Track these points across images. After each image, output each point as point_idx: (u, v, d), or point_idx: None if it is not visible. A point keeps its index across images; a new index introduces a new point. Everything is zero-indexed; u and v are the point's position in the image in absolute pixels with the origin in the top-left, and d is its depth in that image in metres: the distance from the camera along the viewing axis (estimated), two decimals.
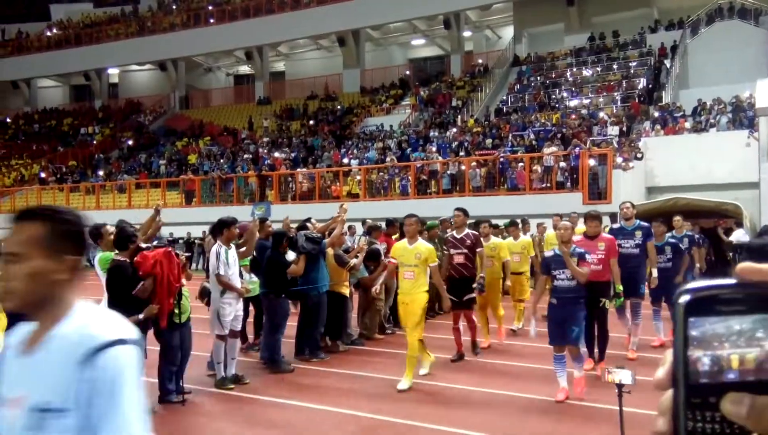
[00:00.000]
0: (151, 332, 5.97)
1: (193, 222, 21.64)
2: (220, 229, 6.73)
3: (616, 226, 8.01)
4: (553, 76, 27.45)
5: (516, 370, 7.44)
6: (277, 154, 26.12)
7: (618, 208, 8.17)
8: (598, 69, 26.56)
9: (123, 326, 1.38)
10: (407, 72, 35.12)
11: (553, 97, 25.52)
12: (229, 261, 6.63)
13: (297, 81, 37.38)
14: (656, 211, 13.35)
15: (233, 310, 6.69)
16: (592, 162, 17.50)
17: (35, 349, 1.36)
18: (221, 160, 27.69)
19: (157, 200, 19.32)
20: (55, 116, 40.44)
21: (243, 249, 7.21)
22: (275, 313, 7.53)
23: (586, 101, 24.38)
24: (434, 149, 22.08)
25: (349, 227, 13.26)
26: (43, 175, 32.25)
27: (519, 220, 13.10)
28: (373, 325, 9.36)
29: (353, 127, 29.09)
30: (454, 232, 7.92)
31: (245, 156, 27.20)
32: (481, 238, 7.98)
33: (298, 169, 23.39)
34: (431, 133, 24.70)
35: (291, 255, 7.85)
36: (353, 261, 8.55)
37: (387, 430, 5.45)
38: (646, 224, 7.87)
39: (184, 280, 6.21)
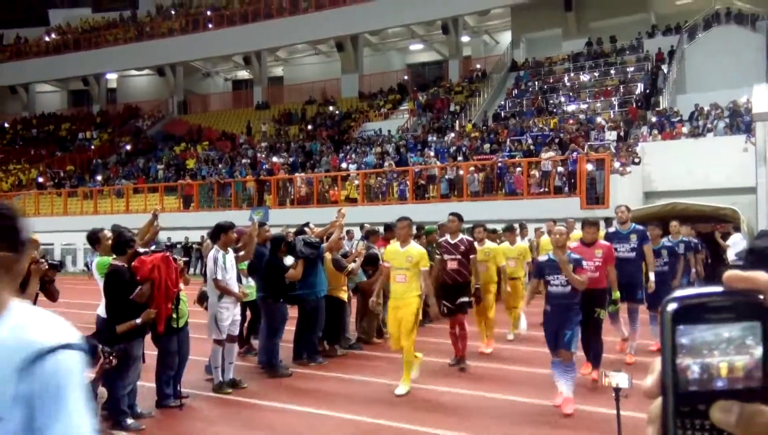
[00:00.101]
0: (148, 337, 5.96)
1: (191, 227, 21.63)
2: (218, 233, 6.73)
3: (611, 229, 7.97)
4: (551, 81, 27.53)
5: (513, 374, 7.44)
6: (275, 159, 26.11)
7: (614, 212, 8.16)
8: (596, 74, 26.63)
9: (66, 329, 1.26)
10: (405, 77, 35.20)
11: (551, 102, 25.58)
12: (227, 266, 6.63)
13: (295, 86, 37.43)
14: (654, 215, 13.36)
15: (231, 314, 6.68)
16: (589, 167, 17.53)
17: None
18: (219, 165, 27.68)
19: (155, 205, 19.32)
20: (53, 121, 40.44)
21: (242, 253, 7.20)
22: (273, 318, 7.52)
23: (583, 106, 24.44)
24: (432, 154, 22.10)
25: (347, 232, 13.27)
26: (41, 180, 32.23)
27: (517, 225, 13.12)
28: (371, 330, 9.36)
29: (351, 131, 29.12)
30: (448, 238, 7.76)
31: (243, 161, 27.19)
32: (475, 243, 7.86)
33: (297, 174, 23.39)
34: (429, 138, 24.73)
35: (289, 259, 7.85)
36: (351, 265, 8.54)
37: (385, 434, 5.45)
38: (641, 227, 7.83)
39: (181, 285, 6.20)
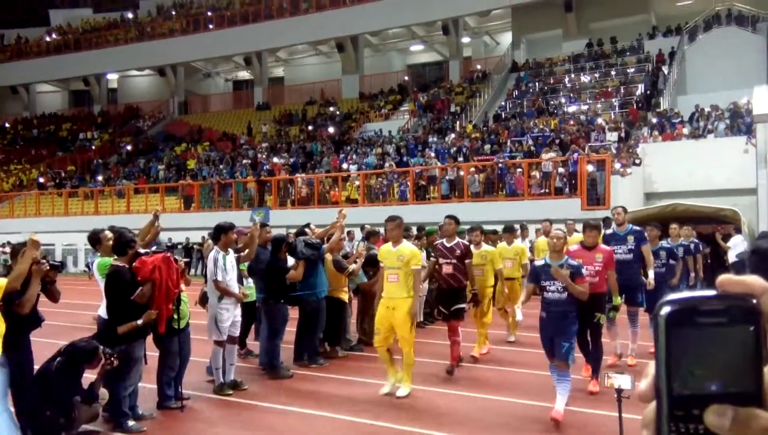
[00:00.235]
0: (150, 338, 5.96)
1: (191, 227, 21.63)
2: (218, 234, 6.73)
3: (608, 231, 7.85)
4: (552, 82, 27.53)
5: (515, 377, 7.44)
6: (275, 160, 26.12)
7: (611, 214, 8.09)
8: (596, 75, 26.64)
9: None
10: (406, 78, 35.21)
11: (552, 103, 25.58)
12: (227, 267, 6.63)
13: (296, 86, 37.45)
14: (655, 216, 13.36)
15: (231, 315, 6.68)
16: (590, 168, 17.53)
17: None
18: (220, 166, 27.69)
19: (156, 205, 19.34)
20: (54, 121, 40.46)
21: (244, 253, 7.21)
22: (274, 319, 7.52)
23: (584, 107, 24.43)
24: (433, 155, 22.11)
25: (348, 233, 13.29)
26: (41, 180, 32.24)
27: (518, 226, 13.10)
28: (372, 331, 9.34)
29: (352, 132, 29.13)
30: (444, 241, 7.47)
31: (244, 161, 27.21)
32: (472, 247, 7.70)
33: (297, 175, 23.39)
34: (430, 139, 24.74)
35: (290, 260, 7.85)
36: (352, 266, 8.54)
37: None
38: (638, 228, 7.74)
39: (182, 286, 6.20)
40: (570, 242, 7.62)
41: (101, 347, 5.22)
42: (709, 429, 0.54)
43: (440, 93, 30.52)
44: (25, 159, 36.09)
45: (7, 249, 19.99)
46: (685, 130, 20.32)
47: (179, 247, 21.27)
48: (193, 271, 19.34)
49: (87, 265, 19.77)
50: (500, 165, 19.61)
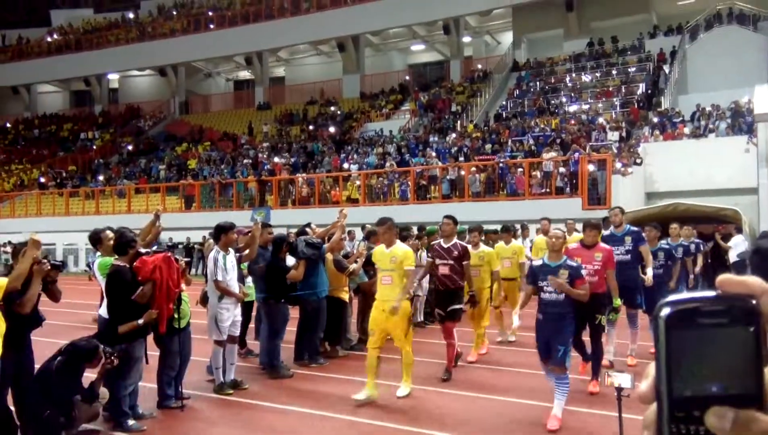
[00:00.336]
0: (150, 337, 5.96)
1: (192, 227, 21.64)
2: (218, 234, 6.73)
3: (606, 232, 7.75)
4: (553, 81, 27.52)
5: (515, 377, 7.43)
6: (276, 159, 26.13)
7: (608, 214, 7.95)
8: (597, 74, 26.62)
9: None
10: (407, 77, 35.21)
11: (553, 102, 25.57)
12: (227, 266, 6.62)
13: (297, 86, 37.46)
14: (656, 216, 13.35)
15: (231, 315, 6.68)
16: (591, 167, 17.52)
17: None
18: (221, 166, 27.71)
19: (157, 205, 19.35)
20: (55, 121, 40.50)
21: (245, 252, 7.21)
22: (275, 319, 7.52)
23: (585, 106, 24.41)
24: (434, 154, 22.11)
25: (349, 232, 13.29)
26: (42, 180, 32.27)
27: (519, 226, 13.07)
28: None
29: (353, 132, 29.13)
30: (441, 241, 7.35)
31: (245, 161, 27.22)
32: (470, 247, 7.62)
33: (298, 174, 23.39)
34: (431, 139, 24.73)
35: (291, 260, 7.85)
36: (353, 266, 8.54)
37: None
38: (635, 229, 7.66)
39: (183, 286, 6.20)
40: (569, 241, 7.59)
41: (101, 346, 5.22)
42: (710, 431, 0.54)
43: (441, 92, 30.51)
44: (27, 159, 36.13)
45: (9, 249, 20.01)
46: (686, 130, 20.31)
47: (180, 246, 21.28)
48: (193, 270, 19.35)
49: (88, 265, 19.78)
50: (501, 165, 19.60)
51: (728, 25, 25.32)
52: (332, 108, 32.70)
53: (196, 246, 21.10)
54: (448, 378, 7.13)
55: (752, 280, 0.56)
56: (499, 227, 11.64)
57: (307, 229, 8.64)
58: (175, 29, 37.07)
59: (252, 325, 8.73)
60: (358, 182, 21.51)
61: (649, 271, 7.41)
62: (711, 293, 0.56)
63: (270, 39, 33.91)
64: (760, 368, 0.54)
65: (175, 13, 39.67)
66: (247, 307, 7.95)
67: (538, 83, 27.69)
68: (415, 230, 11.60)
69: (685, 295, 0.57)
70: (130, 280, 5.59)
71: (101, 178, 30.78)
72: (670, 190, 18.44)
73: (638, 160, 18.96)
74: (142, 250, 5.96)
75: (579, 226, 8.22)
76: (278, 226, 9.29)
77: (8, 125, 41.29)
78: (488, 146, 22.34)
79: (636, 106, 23.15)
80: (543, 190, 18.29)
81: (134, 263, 5.69)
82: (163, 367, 6.15)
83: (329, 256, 8.29)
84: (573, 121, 22.69)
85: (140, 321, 5.54)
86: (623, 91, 24.77)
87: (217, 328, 6.57)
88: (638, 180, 18.73)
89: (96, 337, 5.52)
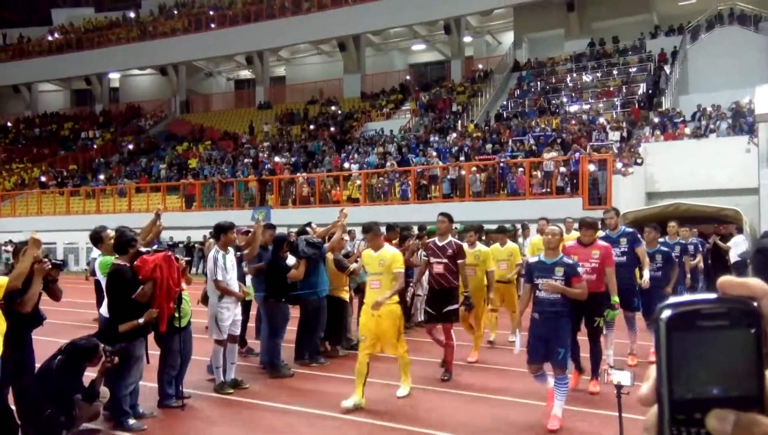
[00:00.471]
0: (151, 336, 5.97)
1: (193, 226, 21.65)
2: (218, 234, 6.73)
3: (601, 234, 7.65)
4: (553, 81, 27.51)
5: (516, 378, 7.42)
6: (277, 159, 26.14)
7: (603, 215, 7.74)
8: (598, 74, 26.62)
9: None
10: (407, 77, 35.21)
11: (553, 102, 25.56)
12: (227, 266, 6.62)
13: (297, 86, 37.46)
14: (656, 216, 13.34)
15: (231, 314, 6.68)
16: (592, 167, 17.51)
17: None
18: (222, 165, 27.72)
19: (158, 204, 19.32)
20: (56, 120, 40.52)
21: (246, 251, 7.21)
22: (275, 318, 7.52)
23: (586, 106, 24.41)
24: (434, 154, 22.10)
25: (349, 232, 13.28)
26: (43, 179, 32.29)
27: (519, 226, 13.05)
28: None
29: (353, 131, 29.13)
30: (436, 240, 7.23)
31: (245, 160, 27.23)
32: (466, 246, 7.49)
33: (299, 174, 23.40)
34: (431, 138, 24.74)
35: (291, 259, 7.85)
36: (353, 266, 8.54)
37: None
38: (630, 230, 7.57)
39: (184, 285, 6.21)
40: (567, 239, 7.54)
41: (101, 345, 5.23)
42: (711, 433, 0.54)
43: (442, 92, 30.51)
44: (27, 158, 36.14)
45: (10, 247, 20.01)
46: (687, 130, 20.31)
47: (180, 245, 21.29)
48: (194, 269, 19.36)
49: (88, 264, 19.79)
50: (502, 164, 19.60)
51: (729, 25, 25.32)
52: (333, 107, 32.70)
53: (196, 245, 21.11)
54: (449, 378, 7.09)
55: (753, 282, 0.56)
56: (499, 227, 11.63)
57: (308, 229, 8.64)
58: (176, 28, 37.08)
59: (252, 324, 8.73)
60: (358, 182, 21.51)
61: (646, 274, 7.28)
62: (712, 295, 0.56)
63: (271, 38, 33.91)
64: (761, 370, 0.54)
65: (176, 12, 39.67)
66: (246, 306, 7.95)
67: (538, 83, 27.68)
68: (415, 230, 11.60)
69: (686, 297, 0.57)
70: (130, 280, 5.59)
71: (102, 177, 30.80)
72: (671, 190, 18.43)
73: (639, 160, 18.95)
74: (143, 250, 5.96)
75: (578, 225, 8.16)
76: (279, 226, 9.29)
77: (9, 124, 41.31)
78: (489, 146, 22.34)
79: (637, 106, 23.15)
80: (543, 190, 18.28)
81: (135, 262, 5.69)
82: (164, 367, 6.15)
83: (330, 256, 8.29)
84: (574, 121, 22.69)
85: (140, 320, 5.54)
86: (624, 91, 24.76)
87: (217, 328, 6.57)
88: (639, 180, 18.72)
89: (96, 336, 5.52)
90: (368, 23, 31.91)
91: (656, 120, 21.44)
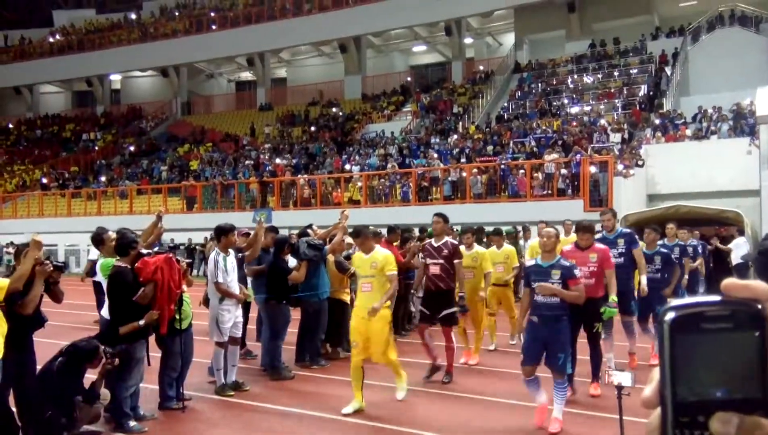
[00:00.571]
0: (152, 338, 5.97)
1: (194, 228, 21.65)
2: (218, 236, 6.73)
3: (598, 236, 7.55)
4: (554, 82, 27.50)
5: (516, 379, 7.41)
6: (278, 161, 26.15)
7: (599, 218, 7.52)
8: (599, 76, 26.62)
9: None
10: (408, 79, 35.21)
11: (554, 103, 25.56)
12: (228, 268, 6.62)
13: (298, 87, 37.49)
14: (657, 218, 13.33)
15: (232, 316, 6.68)
16: (593, 169, 17.50)
17: None
18: (223, 167, 27.73)
19: (159, 206, 19.33)
20: (57, 122, 40.55)
21: (248, 252, 7.20)
22: (276, 320, 7.52)
23: (587, 108, 24.40)
24: (435, 156, 22.10)
25: (350, 234, 13.27)
26: (45, 180, 32.31)
27: (520, 227, 13.04)
28: None
29: (354, 133, 29.14)
30: (432, 241, 7.18)
31: (247, 162, 27.23)
32: (463, 248, 7.45)
33: (300, 176, 23.41)
34: (432, 140, 24.74)
35: (292, 261, 7.86)
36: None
37: None
38: (627, 231, 7.46)
39: (185, 287, 6.21)
40: (564, 242, 7.49)
41: (102, 347, 5.23)
42: None
43: (443, 94, 30.51)
44: (29, 159, 36.17)
45: (11, 249, 20.04)
46: (688, 132, 20.30)
47: (182, 247, 21.29)
48: (195, 271, 19.36)
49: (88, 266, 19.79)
50: (503, 166, 19.59)
51: (730, 26, 25.32)
52: (334, 109, 32.72)
53: (197, 247, 21.12)
54: (449, 381, 7.07)
55: (757, 285, 0.56)
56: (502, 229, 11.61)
57: (309, 231, 8.64)
58: (177, 30, 37.12)
59: (252, 326, 8.73)
60: (359, 183, 21.51)
61: (643, 280, 7.15)
62: (715, 298, 0.56)
63: (272, 40, 33.94)
64: (764, 373, 0.54)
65: (177, 13, 39.71)
66: (245, 308, 7.95)
67: (539, 85, 27.68)
68: (417, 232, 11.60)
69: (690, 299, 0.57)
70: (131, 281, 5.60)
71: (103, 178, 30.80)
72: (672, 192, 18.40)
73: (640, 162, 18.94)
74: (144, 251, 5.96)
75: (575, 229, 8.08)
76: (280, 228, 9.30)
77: (10, 126, 41.35)
78: (490, 148, 22.34)
79: (638, 108, 23.14)
80: (544, 192, 18.27)
81: (136, 264, 5.69)
82: (165, 368, 6.15)
83: (331, 258, 8.30)
84: (575, 123, 22.68)
85: (141, 322, 5.54)
86: (625, 92, 24.76)
87: (218, 330, 6.57)
88: (640, 182, 18.71)
89: (97, 338, 5.53)
90: (369, 25, 31.93)
91: (657, 122, 21.42)
